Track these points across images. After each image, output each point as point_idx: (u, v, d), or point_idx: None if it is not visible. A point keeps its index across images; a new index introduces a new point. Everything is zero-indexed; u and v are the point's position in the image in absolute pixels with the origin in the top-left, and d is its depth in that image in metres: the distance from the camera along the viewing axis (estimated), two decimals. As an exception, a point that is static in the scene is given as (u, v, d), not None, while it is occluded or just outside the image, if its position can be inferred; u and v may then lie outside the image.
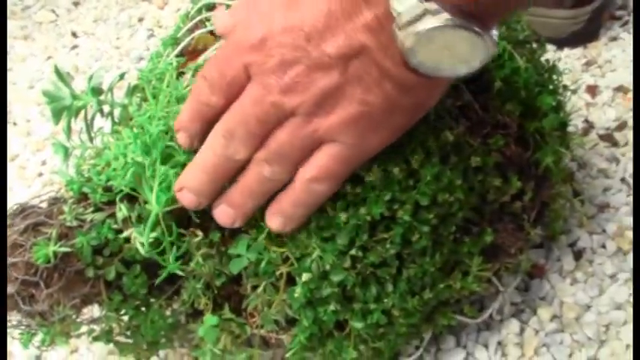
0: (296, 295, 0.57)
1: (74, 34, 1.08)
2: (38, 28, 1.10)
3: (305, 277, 0.56)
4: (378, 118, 0.49)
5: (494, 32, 0.46)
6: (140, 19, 1.07)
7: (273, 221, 0.54)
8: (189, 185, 0.54)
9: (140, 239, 0.56)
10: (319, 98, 0.48)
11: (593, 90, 0.88)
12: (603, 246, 0.73)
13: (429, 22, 0.43)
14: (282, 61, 0.48)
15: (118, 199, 0.56)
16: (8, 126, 0.96)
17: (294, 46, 0.47)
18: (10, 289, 0.56)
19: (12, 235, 0.57)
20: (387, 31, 0.45)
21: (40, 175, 0.89)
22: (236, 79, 0.51)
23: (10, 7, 1.14)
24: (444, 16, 0.43)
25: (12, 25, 1.10)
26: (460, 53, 0.45)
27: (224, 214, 0.55)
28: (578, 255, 0.72)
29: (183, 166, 0.56)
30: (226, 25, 0.54)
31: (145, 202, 0.56)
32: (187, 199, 0.54)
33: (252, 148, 0.52)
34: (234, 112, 0.51)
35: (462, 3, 0.43)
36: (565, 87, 0.67)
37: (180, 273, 0.58)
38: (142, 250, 0.56)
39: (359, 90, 0.48)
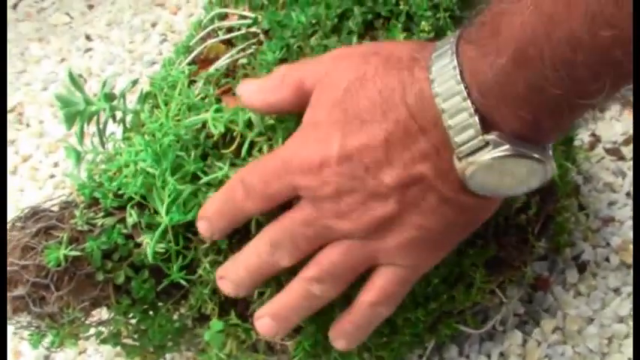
0: None
1: (88, 37, 1.09)
2: (53, 31, 1.11)
3: None
4: (434, 239, 0.50)
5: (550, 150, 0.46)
6: (153, 24, 1.08)
7: (338, 343, 0.55)
8: (231, 278, 0.55)
9: (152, 245, 0.57)
10: (375, 225, 0.49)
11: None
12: (607, 259, 0.73)
13: (489, 154, 0.44)
14: (338, 190, 0.48)
15: (129, 206, 0.57)
16: (21, 127, 0.97)
17: (351, 176, 0.48)
18: (21, 290, 0.57)
19: (24, 238, 0.58)
20: (445, 158, 0.46)
21: (52, 176, 0.90)
22: (281, 194, 0.51)
23: (26, 8, 1.15)
24: (505, 147, 0.44)
25: (27, 27, 1.12)
26: (520, 177, 0.46)
27: (267, 326, 0.55)
28: (582, 268, 0.73)
29: (192, 175, 0.57)
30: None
31: (155, 211, 0.57)
32: (228, 287, 0.56)
33: (299, 259, 0.52)
34: (283, 226, 0.52)
35: (523, 133, 0.44)
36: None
37: (183, 282, 0.59)
38: (150, 258, 0.57)
39: (416, 216, 0.48)
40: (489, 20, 0.43)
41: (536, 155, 0.44)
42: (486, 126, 0.44)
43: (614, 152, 0.82)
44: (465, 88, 0.43)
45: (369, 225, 0.49)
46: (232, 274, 0.55)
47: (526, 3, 0.40)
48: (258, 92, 0.54)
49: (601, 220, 0.76)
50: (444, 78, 0.44)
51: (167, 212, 0.56)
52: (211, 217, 0.54)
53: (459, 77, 0.43)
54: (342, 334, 0.55)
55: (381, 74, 0.47)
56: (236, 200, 0.53)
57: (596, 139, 0.84)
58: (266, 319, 0.55)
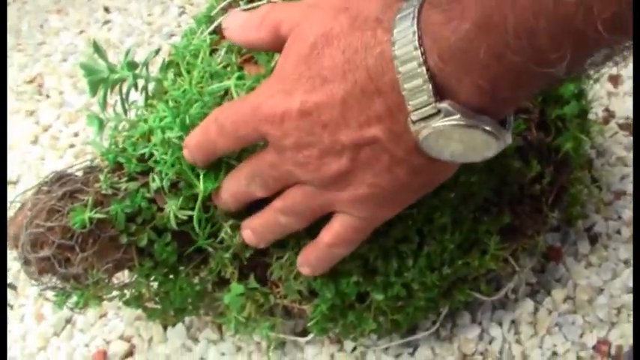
0: None
1: (106, 9, 1.10)
2: (72, 3, 1.12)
3: None
4: (388, 197, 0.52)
5: (510, 120, 0.47)
6: (172, -3, 1.09)
7: (303, 269, 0.60)
8: (220, 201, 0.59)
9: (175, 211, 0.58)
10: (330, 179, 0.51)
11: (615, 80, 0.89)
12: (618, 232, 0.75)
13: (441, 122, 0.45)
14: (297, 142, 0.50)
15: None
16: (41, 99, 0.98)
17: (310, 132, 0.49)
18: (47, 252, 0.58)
19: (50, 201, 0.59)
20: (400, 121, 0.47)
21: (72, 146, 0.91)
22: (247, 138, 0.54)
23: (45, -19, 1.16)
24: (456, 116, 0.44)
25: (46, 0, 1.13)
26: (472, 145, 0.46)
27: (249, 237, 0.60)
28: (593, 239, 0.74)
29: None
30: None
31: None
32: (220, 205, 0.60)
33: (271, 192, 0.56)
34: (254, 165, 0.55)
35: (479, 103, 0.44)
36: (587, 75, 0.68)
37: (209, 249, 0.61)
38: (173, 224, 0.59)
39: (369, 174, 0.50)
40: None
41: (488, 128, 0.45)
42: (442, 93, 0.44)
43: (627, 127, 0.83)
44: (422, 54, 0.44)
45: (323, 177, 0.51)
46: (220, 198, 0.59)
47: None
48: (240, 28, 0.57)
49: (613, 193, 0.78)
50: (403, 42, 0.44)
51: (204, 187, 0.58)
52: (191, 148, 0.57)
53: (417, 42, 0.44)
54: (306, 263, 0.59)
55: (346, 33, 0.48)
56: (210, 136, 0.55)
57: (609, 114, 0.85)
58: (247, 231, 0.59)
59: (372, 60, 0.46)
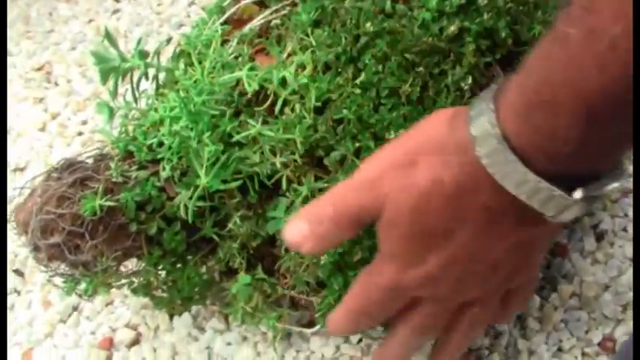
0: (322, 262, 0.59)
1: (116, -1, 1.11)
2: (81, -8, 1.13)
3: None
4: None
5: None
6: (181, -13, 1.09)
7: None
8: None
9: (185, 201, 0.58)
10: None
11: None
12: (624, 229, 0.75)
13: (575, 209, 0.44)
14: (453, 289, 0.52)
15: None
16: (50, 86, 0.99)
17: (459, 277, 0.51)
18: (57, 238, 0.58)
19: (60, 188, 0.59)
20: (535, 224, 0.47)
21: (80, 134, 0.91)
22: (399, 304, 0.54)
23: (54, -31, 1.16)
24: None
25: (55, -13, 1.13)
26: None
27: None
28: (599, 236, 0.74)
29: (228, 135, 0.58)
30: None
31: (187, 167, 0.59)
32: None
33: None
34: (417, 325, 0.55)
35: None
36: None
37: (215, 237, 0.61)
38: (182, 214, 0.59)
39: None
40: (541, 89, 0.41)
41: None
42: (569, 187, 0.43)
43: (635, 125, 0.83)
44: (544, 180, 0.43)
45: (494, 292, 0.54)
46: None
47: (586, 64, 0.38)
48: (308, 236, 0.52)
49: (620, 191, 0.78)
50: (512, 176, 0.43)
51: (205, 174, 0.57)
52: (344, 315, 0.56)
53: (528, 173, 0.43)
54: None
55: (438, 177, 0.46)
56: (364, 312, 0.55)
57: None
58: None
59: (485, 194, 0.45)
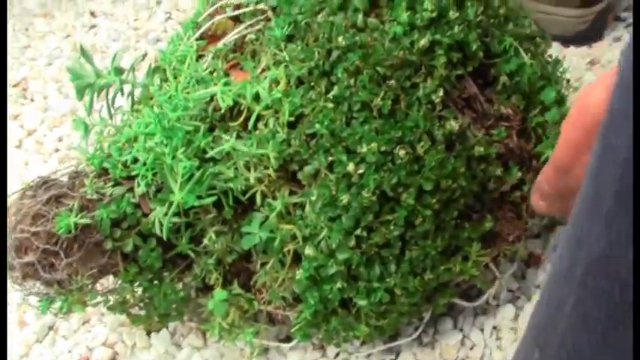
0: (297, 277, 0.59)
1: (93, 14, 1.10)
2: (58, 6, 1.12)
3: (309, 250, 0.58)
4: None
5: None
6: (158, 2, 1.09)
7: None
8: None
9: (160, 217, 0.58)
10: None
11: (596, 87, 0.90)
12: (599, 238, 0.75)
13: None
14: None
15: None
16: (26, 102, 0.98)
17: None
18: (31, 257, 0.58)
19: (35, 206, 0.59)
20: None
21: (57, 150, 0.91)
22: None
23: (31, -16, 1.16)
24: None
25: (32, 3, 1.13)
26: None
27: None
28: (574, 246, 0.75)
29: (203, 151, 0.58)
30: None
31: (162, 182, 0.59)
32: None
33: None
34: None
35: None
36: (568, 81, 0.69)
37: (190, 254, 0.61)
38: (157, 230, 0.59)
39: None
40: None
41: None
42: None
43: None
44: None
45: None
46: None
47: None
48: None
49: None
50: None
51: (179, 190, 0.58)
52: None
53: None
54: None
55: None
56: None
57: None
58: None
59: None
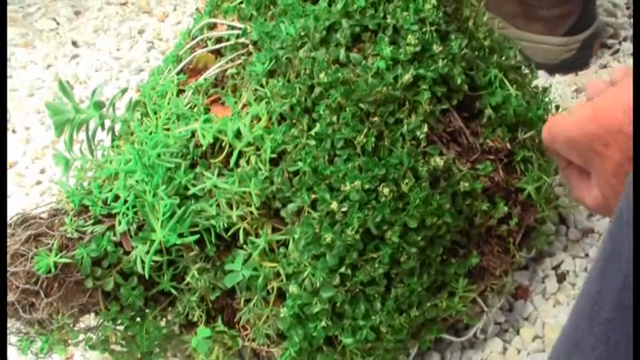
0: (282, 315, 0.59)
1: (74, 44, 1.10)
2: (39, 36, 1.12)
3: (292, 288, 0.58)
4: None
5: None
6: (140, 32, 1.09)
7: None
8: None
9: (142, 255, 0.57)
10: None
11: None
12: (586, 269, 0.75)
13: None
14: None
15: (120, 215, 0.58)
16: (7, 133, 0.97)
17: None
18: (11, 297, 0.57)
19: (14, 245, 0.58)
20: None
21: (39, 183, 0.90)
22: None
23: (11, 14, 1.15)
24: None
25: (13, 32, 1.12)
26: None
27: None
28: (561, 278, 0.74)
29: (184, 188, 0.58)
30: None
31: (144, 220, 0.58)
32: None
33: None
34: None
35: None
36: (557, 107, 0.69)
37: (172, 291, 0.60)
38: (139, 268, 0.58)
39: None
40: None
41: None
42: None
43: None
44: None
45: None
46: None
47: None
48: None
49: (581, 231, 0.78)
50: None
51: (161, 228, 0.57)
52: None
53: None
54: None
55: None
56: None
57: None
58: None
59: None
